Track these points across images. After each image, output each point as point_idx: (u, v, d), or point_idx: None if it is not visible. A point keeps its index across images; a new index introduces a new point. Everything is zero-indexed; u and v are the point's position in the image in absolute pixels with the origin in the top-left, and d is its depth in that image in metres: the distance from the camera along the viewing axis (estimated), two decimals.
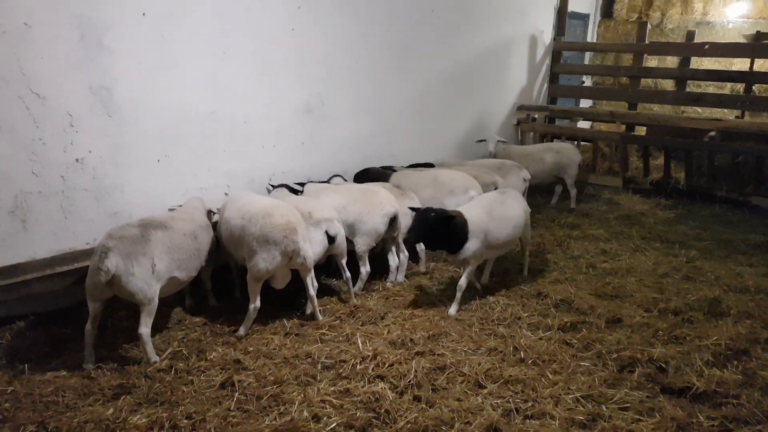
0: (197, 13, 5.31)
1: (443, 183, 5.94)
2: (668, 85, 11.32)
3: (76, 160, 4.70)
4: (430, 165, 7.15)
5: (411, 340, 4.44)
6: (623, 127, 9.98)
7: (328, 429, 3.37)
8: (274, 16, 5.98)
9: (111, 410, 3.50)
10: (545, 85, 10.71)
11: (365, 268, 5.34)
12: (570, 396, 3.78)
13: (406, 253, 5.68)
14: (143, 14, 4.92)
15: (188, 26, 5.26)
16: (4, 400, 3.62)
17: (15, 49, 4.26)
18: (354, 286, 5.28)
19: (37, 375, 3.92)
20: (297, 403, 3.58)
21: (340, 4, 6.63)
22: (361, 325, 4.71)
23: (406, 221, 5.56)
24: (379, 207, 5.24)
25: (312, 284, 4.73)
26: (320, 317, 4.78)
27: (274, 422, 3.42)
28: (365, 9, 6.96)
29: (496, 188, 6.30)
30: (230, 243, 4.75)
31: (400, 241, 5.59)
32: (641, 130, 10.22)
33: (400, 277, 5.64)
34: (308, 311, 4.87)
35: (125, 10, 4.81)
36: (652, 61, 11.62)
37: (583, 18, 12.25)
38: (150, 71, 5.06)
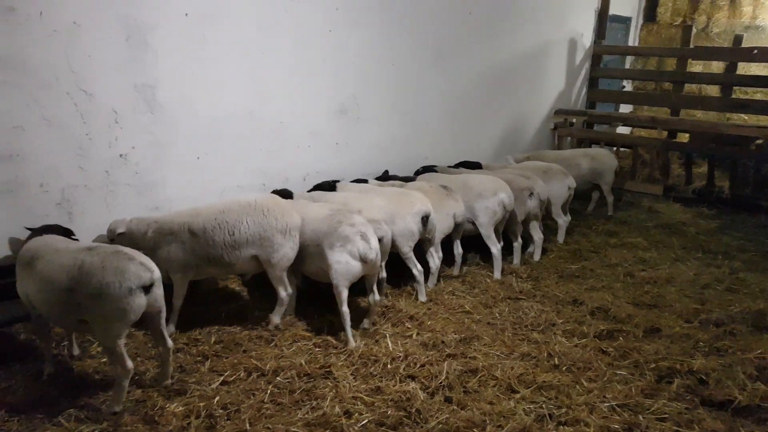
0: (238, 14, 5.42)
1: (471, 187, 5.90)
2: (713, 91, 11.01)
3: (120, 155, 4.84)
4: (477, 165, 7.11)
5: (442, 342, 4.43)
6: (665, 133, 9.77)
7: (359, 425, 3.39)
8: (312, 18, 6.05)
9: (146, 399, 3.60)
10: (584, 89, 10.56)
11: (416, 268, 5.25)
12: (605, 404, 3.71)
13: (441, 255, 5.63)
14: (186, 15, 5.04)
15: (229, 27, 5.37)
16: (47, 385, 3.74)
17: (65, 48, 4.42)
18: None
19: (77, 361, 4.05)
20: (329, 399, 3.61)
21: (377, 6, 6.67)
22: (391, 326, 4.71)
23: (448, 222, 5.53)
24: (409, 206, 5.21)
25: None
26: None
27: (306, 416, 3.46)
28: (402, 11, 6.98)
29: (531, 194, 6.22)
30: None
31: (437, 241, 5.52)
32: (684, 137, 9.96)
33: (431, 283, 5.59)
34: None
35: (169, 11, 4.94)
36: (696, 67, 11.33)
37: (625, 21, 12.03)
38: (191, 71, 5.18)
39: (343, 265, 4.44)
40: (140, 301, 3.39)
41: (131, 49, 4.76)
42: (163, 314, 3.66)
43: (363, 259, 4.45)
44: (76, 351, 4.12)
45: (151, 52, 4.87)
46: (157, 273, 3.50)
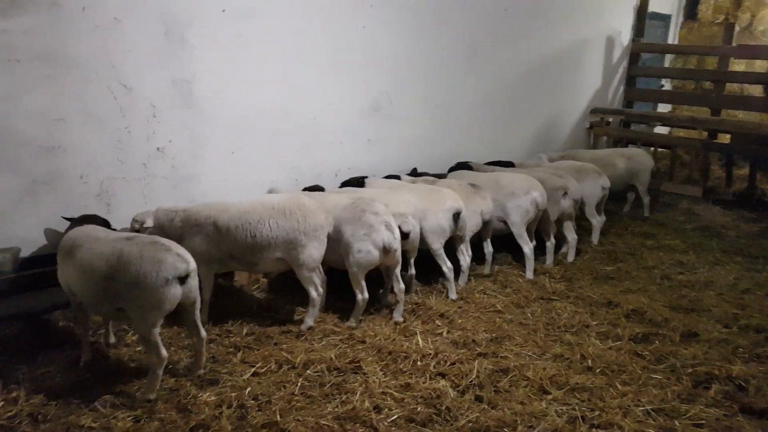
0: (273, 10, 5.47)
1: (504, 185, 5.84)
2: (756, 90, 10.67)
3: (157, 149, 4.93)
4: (509, 164, 7.05)
5: (473, 340, 4.40)
6: (705, 133, 9.51)
7: (389, 421, 3.39)
8: (346, 14, 6.07)
9: (179, 388, 3.66)
10: (621, 88, 10.35)
11: (446, 265, 5.24)
12: (640, 408, 3.63)
13: (471, 253, 5.58)
14: (223, 11, 5.10)
15: (264, 23, 5.42)
16: (84, 372, 3.83)
17: (105, 43, 4.52)
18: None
19: (113, 349, 4.14)
20: (359, 393, 3.62)
21: (411, 2, 6.65)
22: (421, 323, 4.70)
23: (476, 219, 5.49)
24: (441, 203, 5.18)
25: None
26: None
27: (336, 409, 3.48)
28: (437, 7, 6.95)
29: (565, 193, 6.12)
30: None
31: (467, 239, 5.49)
32: (724, 138, 9.67)
33: (462, 281, 5.56)
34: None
35: (206, 7, 5.01)
36: (738, 65, 10.99)
37: (664, 19, 11.76)
38: (227, 66, 5.25)
39: (364, 254, 4.47)
40: (176, 291, 3.45)
41: (169, 45, 4.84)
42: (198, 305, 3.71)
43: (386, 249, 4.46)
44: (112, 339, 4.21)
45: (188, 47, 4.94)
46: (193, 264, 3.55)
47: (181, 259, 3.49)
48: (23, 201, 4.36)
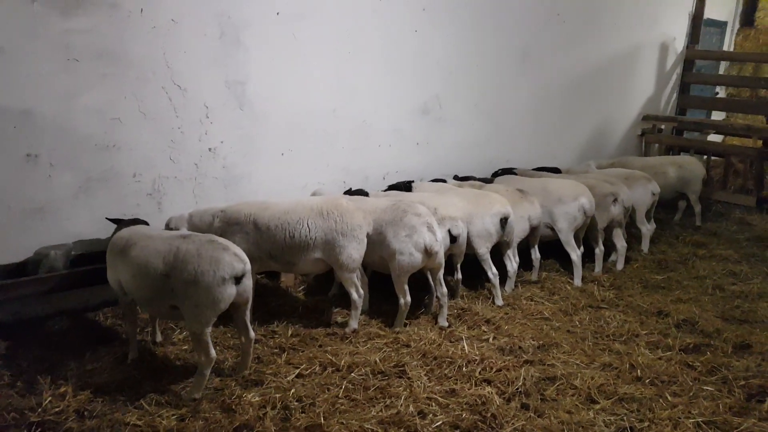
0: (326, 13, 5.51)
1: (551, 191, 5.74)
2: None
3: (209, 149, 5.03)
4: (556, 170, 6.95)
5: (519, 347, 4.34)
6: (760, 142, 9.18)
7: (433, 427, 3.35)
8: (399, 18, 6.08)
9: (224, 388, 3.69)
10: (674, 95, 10.07)
11: (491, 271, 5.17)
12: (691, 420, 3.53)
13: (518, 259, 5.50)
14: (277, 13, 5.17)
15: (317, 26, 5.47)
16: (133, 368, 3.89)
17: (162, 44, 4.63)
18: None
19: (159, 348, 4.21)
20: (403, 398, 3.59)
21: (463, 7, 6.61)
22: (467, 328, 4.65)
23: (524, 225, 5.41)
24: (488, 207, 5.12)
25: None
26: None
27: (380, 413, 3.45)
28: (489, 12, 6.89)
29: (615, 200, 5.98)
30: None
31: (514, 244, 5.41)
32: None
33: (509, 287, 5.49)
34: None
35: (262, 9, 5.08)
36: None
37: (720, 26, 11.39)
38: (280, 68, 5.32)
39: (406, 257, 4.43)
40: (231, 291, 3.48)
41: (224, 46, 4.93)
42: (249, 305, 3.73)
43: (428, 251, 4.42)
44: (159, 338, 4.26)
45: (242, 49, 5.02)
46: (248, 264, 3.57)
47: (238, 258, 3.51)
48: (78, 197, 4.47)
